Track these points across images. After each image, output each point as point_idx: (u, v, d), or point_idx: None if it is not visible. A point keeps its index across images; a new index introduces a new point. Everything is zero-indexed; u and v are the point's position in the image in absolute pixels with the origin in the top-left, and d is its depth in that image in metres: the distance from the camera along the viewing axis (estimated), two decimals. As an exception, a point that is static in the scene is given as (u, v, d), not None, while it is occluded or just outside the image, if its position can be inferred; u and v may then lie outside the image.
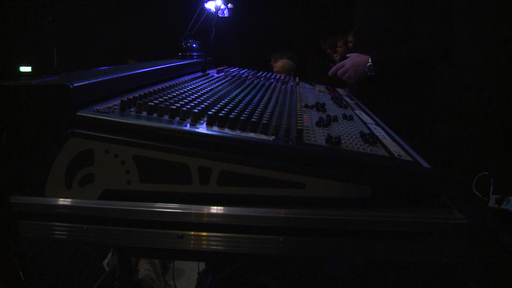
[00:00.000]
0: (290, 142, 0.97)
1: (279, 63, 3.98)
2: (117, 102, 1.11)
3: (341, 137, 1.04)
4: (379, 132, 1.24)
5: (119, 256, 1.21)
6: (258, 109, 1.17)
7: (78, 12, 7.73)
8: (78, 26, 7.70)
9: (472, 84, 3.76)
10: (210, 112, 1.01)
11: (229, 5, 2.18)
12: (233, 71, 2.23)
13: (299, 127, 1.03)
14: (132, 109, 1.06)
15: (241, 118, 1.02)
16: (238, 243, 0.94)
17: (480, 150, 3.41)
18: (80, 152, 0.96)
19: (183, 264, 2.76)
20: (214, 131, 0.96)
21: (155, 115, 1.03)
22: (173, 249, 0.96)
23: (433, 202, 0.93)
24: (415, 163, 0.97)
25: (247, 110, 1.12)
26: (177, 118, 1.02)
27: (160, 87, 1.34)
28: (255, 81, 1.87)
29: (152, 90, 1.27)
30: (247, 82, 1.79)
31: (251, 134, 0.97)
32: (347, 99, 1.91)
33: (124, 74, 1.26)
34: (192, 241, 0.95)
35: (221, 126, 1.00)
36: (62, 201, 0.97)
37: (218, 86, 1.55)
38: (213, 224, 0.93)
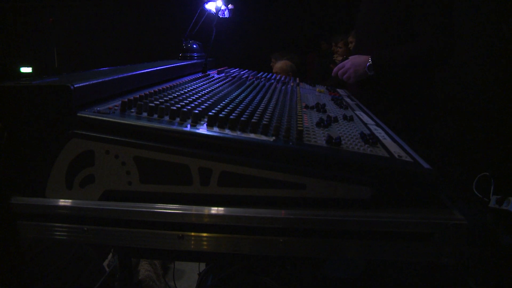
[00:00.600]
0: (291, 143, 0.97)
1: (278, 64, 3.98)
2: (117, 103, 1.11)
3: (342, 138, 1.04)
4: (379, 133, 1.24)
5: (119, 257, 1.22)
6: (258, 110, 1.17)
7: (78, 13, 7.74)
8: (78, 27, 7.71)
9: (472, 84, 3.76)
10: (210, 113, 1.02)
11: (230, 6, 2.18)
12: (234, 71, 2.23)
13: (299, 128, 1.03)
14: (132, 110, 1.06)
15: (242, 119, 1.02)
16: (239, 244, 0.94)
17: (481, 151, 3.41)
18: (80, 153, 0.96)
19: (183, 265, 2.75)
20: (215, 132, 0.96)
21: (155, 116, 1.03)
22: (174, 250, 0.97)
23: (433, 203, 0.93)
24: (415, 164, 0.97)
25: (248, 111, 1.12)
26: (178, 119, 1.02)
27: (160, 88, 1.34)
28: (256, 82, 1.87)
29: (152, 91, 1.27)
30: (248, 83, 1.79)
31: (252, 135, 0.97)
32: (348, 99, 1.91)
33: (125, 75, 1.26)
34: (192, 242, 0.95)
35: (221, 127, 1.00)
36: (62, 202, 0.98)
37: (218, 87, 1.55)
38: (214, 225, 0.93)
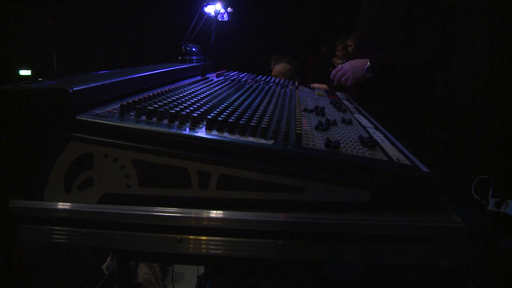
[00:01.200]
0: (289, 146, 0.97)
1: (277, 68, 3.99)
2: (116, 106, 1.11)
3: (340, 141, 1.04)
4: (378, 136, 1.24)
5: (118, 260, 1.21)
6: (257, 113, 1.18)
7: (78, 15, 7.74)
8: (78, 29, 7.71)
9: (471, 87, 3.77)
10: (209, 116, 1.02)
11: (229, 9, 2.19)
12: (233, 75, 2.23)
13: (298, 131, 1.03)
14: (131, 113, 1.06)
15: (240, 122, 1.02)
16: (238, 247, 0.94)
17: (479, 154, 3.41)
18: (79, 156, 0.96)
19: (182, 268, 2.75)
20: (213, 135, 0.96)
21: (154, 119, 1.03)
22: (173, 253, 0.96)
23: (432, 206, 0.93)
24: (414, 167, 0.97)
25: (246, 114, 1.12)
26: (177, 122, 1.02)
27: (159, 91, 1.34)
28: (255, 85, 1.87)
29: (151, 94, 1.27)
30: (247, 86, 1.79)
31: (250, 138, 0.97)
32: (346, 103, 1.91)
33: (124, 78, 1.26)
34: (191, 245, 0.95)
35: (220, 130, 1.00)
36: (61, 205, 0.98)
37: (217, 90, 1.55)
38: (213, 228, 0.93)
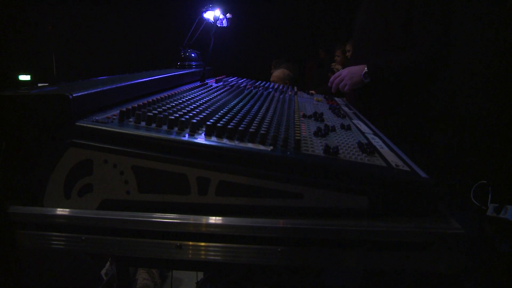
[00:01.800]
0: (288, 152, 0.97)
1: (276, 73, 4.00)
2: (116, 112, 1.12)
3: (339, 147, 1.05)
4: (377, 142, 1.24)
5: (117, 266, 1.21)
6: (256, 119, 1.18)
7: (77, 21, 7.75)
8: (77, 35, 7.72)
9: (470, 92, 3.78)
10: (208, 123, 1.02)
11: (228, 15, 2.20)
12: (232, 80, 2.24)
13: (297, 137, 1.04)
14: (131, 119, 1.07)
15: (239, 128, 1.02)
16: (237, 253, 0.94)
17: (478, 159, 3.41)
18: (79, 162, 0.96)
19: (181, 273, 2.74)
20: (213, 141, 0.97)
21: (153, 125, 1.03)
22: (172, 259, 0.96)
23: (430, 212, 0.94)
24: (412, 173, 0.97)
25: (246, 120, 1.12)
26: (176, 129, 1.02)
27: (158, 97, 1.35)
28: (254, 91, 1.88)
29: (151, 100, 1.27)
30: (246, 92, 1.80)
31: (249, 145, 0.98)
32: (345, 108, 1.92)
33: (123, 84, 1.27)
34: (190, 251, 0.95)
35: (219, 136, 1.00)
36: (60, 211, 0.98)
37: (216, 96, 1.55)
38: (212, 234, 0.93)
